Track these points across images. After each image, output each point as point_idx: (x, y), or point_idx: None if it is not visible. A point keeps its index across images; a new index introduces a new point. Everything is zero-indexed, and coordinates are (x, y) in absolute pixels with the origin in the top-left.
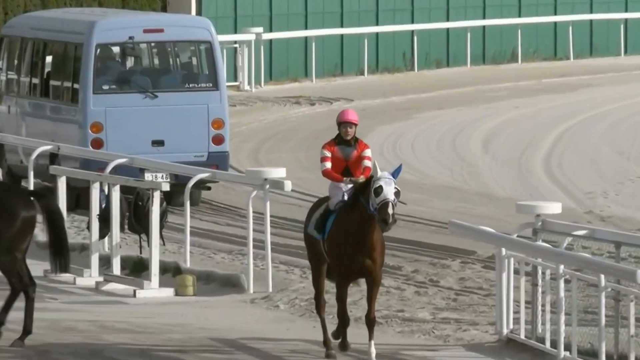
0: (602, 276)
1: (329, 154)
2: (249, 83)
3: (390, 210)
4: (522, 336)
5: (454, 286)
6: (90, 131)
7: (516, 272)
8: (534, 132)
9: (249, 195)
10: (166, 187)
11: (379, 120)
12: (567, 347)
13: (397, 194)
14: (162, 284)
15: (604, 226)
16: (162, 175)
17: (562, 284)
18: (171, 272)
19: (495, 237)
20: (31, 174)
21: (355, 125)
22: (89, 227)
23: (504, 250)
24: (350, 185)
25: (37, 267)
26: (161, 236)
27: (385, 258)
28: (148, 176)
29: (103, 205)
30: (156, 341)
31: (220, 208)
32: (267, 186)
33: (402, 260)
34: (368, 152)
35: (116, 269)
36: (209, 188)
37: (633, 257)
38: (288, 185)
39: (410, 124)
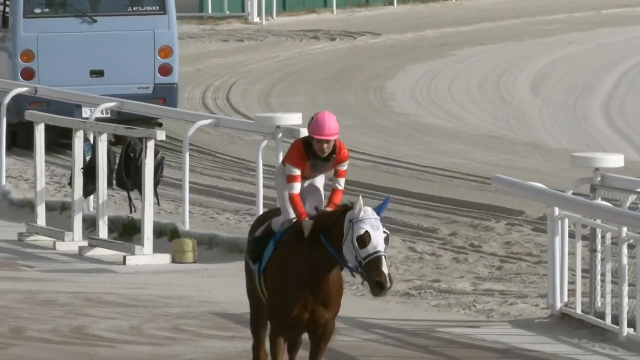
0: None
1: (299, 172)
2: (259, 14)
3: (385, 269)
4: (579, 311)
5: (499, 252)
6: (20, 60)
7: (571, 235)
8: (592, 72)
9: (259, 146)
10: (162, 136)
11: (410, 58)
12: (631, 324)
13: (386, 239)
14: (157, 249)
15: None
16: (102, 111)
17: (625, 250)
18: (167, 235)
19: (546, 195)
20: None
21: (335, 137)
22: (71, 183)
23: (557, 210)
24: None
25: (11, 229)
26: (155, 194)
27: (419, 219)
28: (85, 111)
29: (87, 158)
30: (149, 316)
31: (224, 160)
32: (280, 135)
33: (437, 222)
34: (344, 166)
35: (103, 231)
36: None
37: None
38: (304, 134)
39: (447, 62)
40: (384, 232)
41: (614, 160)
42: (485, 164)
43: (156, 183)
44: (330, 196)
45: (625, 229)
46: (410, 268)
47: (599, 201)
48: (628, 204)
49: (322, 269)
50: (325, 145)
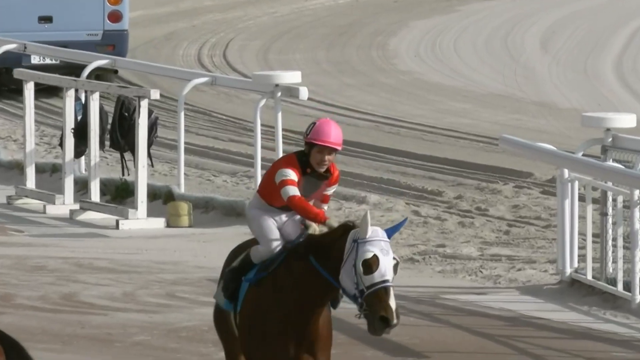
0: None
1: (295, 178)
2: None
3: (393, 303)
4: (589, 277)
5: (506, 216)
6: None
7: (581, 198)
8: (603, 28)
9: (257, 105)
10: (156, 95)
11: (414, 14)
12: None
13: (395, 268)
14: (151, 213)
15: None
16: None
17: (637, 213)
18: (161, 198)
19: (556, 156)
20: None
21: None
22: (61, 144)
23: (566, 172)
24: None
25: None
26: (149, 155)
27: (423, 181)
28: (34, 58)
29: (79, 118)
30: (143, 282)
31: (221, 120)
32: (279, 93)
33: (442, 185)
34: (332, 190)
35: (95, 194)
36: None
37: None
38: (304, 93)
39: (453, 18)
40: (394, 258)
41: (626, 120)
42: (493, 124)
43: (150, 144)
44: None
45: (637, 192)
46: (414, 233)
47: (610, 163)
48: None
49: (310, 306)
50: (327, 157)
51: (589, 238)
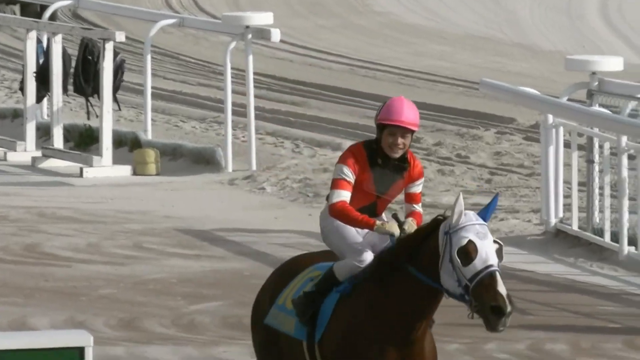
0: None
1: (350, 177)
2: None
3: (502, 289)
4: (575, 227)
5: (488, 163)
6: None
7: (567, 145)
8: None
9: (227, 48)
10: (121, 37)
11: None
12: (632, 241)
13: (499, 252)
14: (117, 160)
15: None
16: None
17: (624, 161)
18: (128, 145)
19: (539, 101)
20: None
21: (414, 131)
22: (22, 89)
23: (550, 118)
24: (378, 237)
25: None
26: (115, 100)
27: None
28: None
29: (41, 61)
30: (109, 233)
31: (190, 63)
32: (250, 36)
33: (421, 131)
34: (419, 186)
35: (58, 141)
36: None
37: None
38: (276, 35)
39: None
40: (495, 241)
41: (612, 64)
42: (473, 67)
43: (116, 88)
44: (415, 218)
45: (624, 139)
46: None
47: (596, 108)
48: (628, 110)
49: (413, 323)
50: (400, 140)
51: (575, 187)
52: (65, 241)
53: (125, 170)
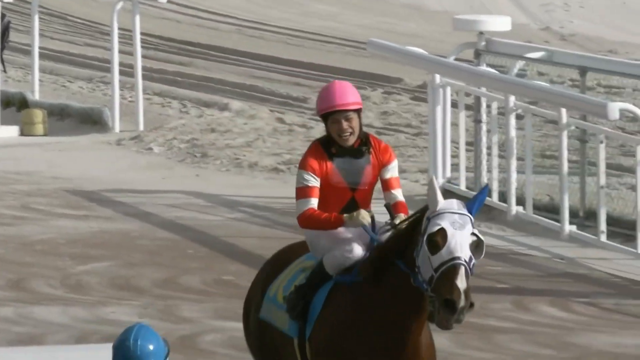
0: (564, 111)
1: (312, 181)
2: None
3: (461, 283)
4: (463, 187)
5: (375, 123)
6: None
7: (454, 105)
8: None
9: (114, 8)
10: None
11: None
12: (520, 201)
13: (477, 246)
14: (4, 120)
15: (565, 47)
16: None
17: (512, 121)
18: (15, 105)
19: (426, 61)
20: None
21: (358, 110)
22: None
23: (438, 77)
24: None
25: None
26: (1, 60)
27: (288, 88)
28: None
29: None
30: None
31: (76, 23)
32: None
33: (308, 90)
34: (393, 170)
35: None
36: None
37: (602, 85)
38: None
39: None
40: (473, 234)
41: (499, 23)
42: (361, 27)
43: (2, 48)
44: (393, 207)
45: (512, 98)
46: (278, 141)
47: (483, 67)
48: (515, 70)
49: (400, 320)
50: (345, 124)
51: (462, 147)
52: None
53: (12, 131)
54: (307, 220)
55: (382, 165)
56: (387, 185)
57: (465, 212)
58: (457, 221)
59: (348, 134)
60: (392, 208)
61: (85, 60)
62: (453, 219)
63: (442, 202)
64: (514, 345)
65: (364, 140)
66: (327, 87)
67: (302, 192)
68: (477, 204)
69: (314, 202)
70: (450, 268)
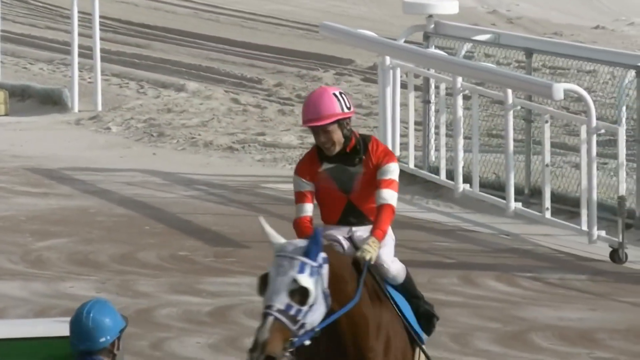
0: (510, 91)
1: (305, 186)
2: None
3: (262, 335)
4: (411, 165)
5: None
6: None
7: (403, 86)
8: None
9: None
10: None
11: None
12: (467, 179)
13: (301, 294)
14: None
15: (512, 29)
16: None
17: (459, 101)
18: None
19: (377, 43)
20: None
21: (335, 123)
22: None
23: (388, 59)
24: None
25: None
26: None
27: (243, 69)
28: None
29: None
30: None
31: (37, 7)
32: None
33: (262, 72)
34: (390, 172)
35: None
36: None
37: (547, 67)
38: None
39: None
40: (294, 281)
41: (448, 7)
42: (313, 11)
43: None
44: (376, 218)
45: (460, 79)
46: (233, 121)
47: (432, 50)
48: (463, 52)
49: (359, 343)
50: (323, 137)
51: (412, 126)
52: None
53: None
54: (294, 229)
55: (377, 168)
56: (377, 184)
57: (298, 256)
58: (282, 265)
59: (329, 146)
60: (377, 213)
61: (46, 43)
62: (279, 264)
63: (278, 244)
64: (461, 318)
65: (359, 145)
66: (307, 97)
67: (296, 197)
68: (312, 250)
69: (307, 208)
70: (262, 316)
